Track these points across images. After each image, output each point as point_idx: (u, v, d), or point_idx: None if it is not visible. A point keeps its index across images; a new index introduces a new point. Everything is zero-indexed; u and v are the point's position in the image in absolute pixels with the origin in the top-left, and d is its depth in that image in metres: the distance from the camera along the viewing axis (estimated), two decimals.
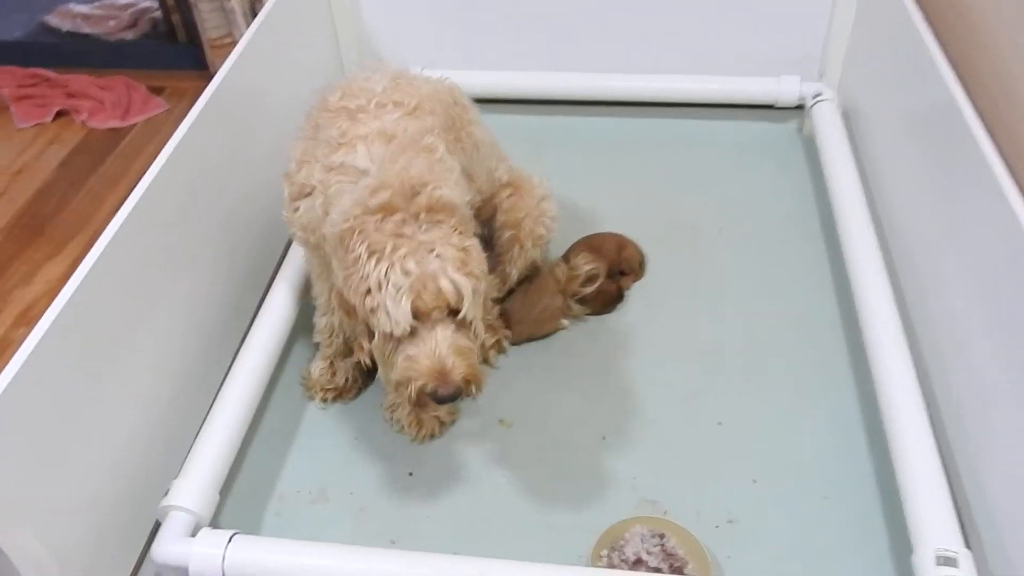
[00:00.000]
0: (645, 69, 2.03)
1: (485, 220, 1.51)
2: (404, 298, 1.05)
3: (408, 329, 1.06)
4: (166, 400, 1.29)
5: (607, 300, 1.56)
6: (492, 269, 1.51)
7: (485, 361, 1.49)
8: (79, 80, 2.47)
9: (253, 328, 1.44)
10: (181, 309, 1.33)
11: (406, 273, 1.05)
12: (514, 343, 1.52)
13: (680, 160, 1.95)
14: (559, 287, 1.52)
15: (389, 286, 1.05)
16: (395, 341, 1.09)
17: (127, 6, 2.89)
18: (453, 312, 1.08)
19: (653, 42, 2.03)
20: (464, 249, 1.10)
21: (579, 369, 1.48)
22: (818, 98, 1.90)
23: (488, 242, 1.53)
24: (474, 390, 1.12)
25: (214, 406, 1.32)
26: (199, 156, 1.38)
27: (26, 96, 2.41)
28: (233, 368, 1.38)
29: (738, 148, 1.98)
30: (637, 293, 1.61)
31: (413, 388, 1.08)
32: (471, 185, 1.40)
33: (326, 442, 1.38)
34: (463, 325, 1.10)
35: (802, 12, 1.94)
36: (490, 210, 1.51)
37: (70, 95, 2.42)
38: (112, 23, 2.83)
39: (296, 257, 1.56)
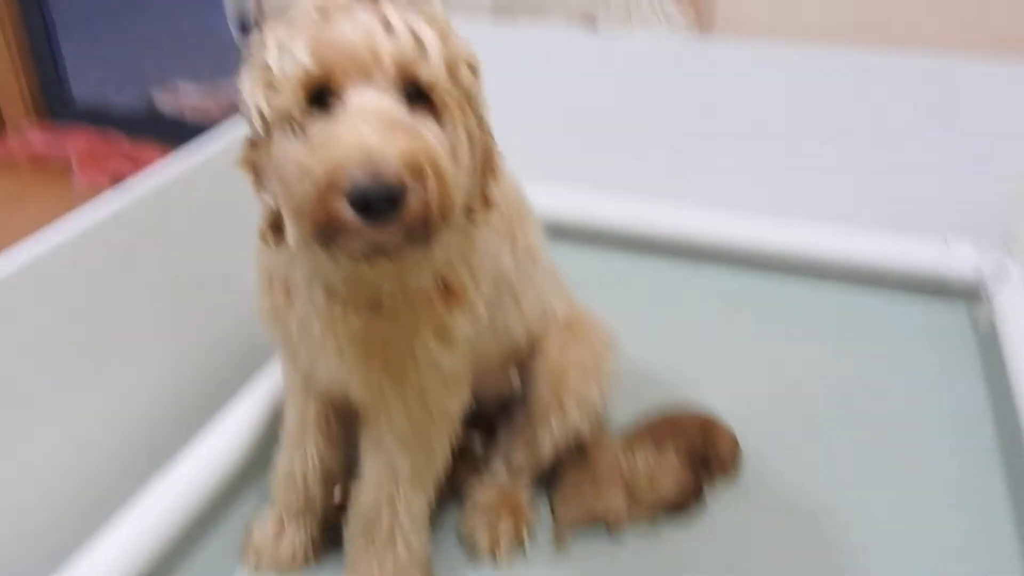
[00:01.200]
0: (772, 211, 1.66)
1: (521, 364, 1.14)
2: (302, 37, 0.68)
3: (302, 83, 0.67)
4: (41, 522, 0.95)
5: (681, 498, 1.14)
6: (520, 431, 1.13)
7: (492, 554, 1.08)
8: (151, 152, 2.31)
9: (190, 447, 1.09)
10: (99, 400, 1.02)
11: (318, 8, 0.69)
12: (559, 536, 1.11)
13: (806, 332, 1.54)
14: (622, 477, 1.12)
15: (291, 37, 0.68)
16: (300, 134, 0.68)
17: (234, 92, 2.80)
18: (407, 86, 0.68)
19: (783, 180, 1.67)
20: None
21: None
22: (1005, 275, 1.46)
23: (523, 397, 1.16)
24: (432, 189, 0.66)
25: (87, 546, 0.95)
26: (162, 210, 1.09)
27: (92, 158, 2.27)
28: (142, 497, 1.02)
29: (885, 327, 1.55)
30: (723, 494, 1.18)
31: (311, 184, 0.65)
32: (518, 315, 1.04)
33: None
34: (426, 110, 0.69)
35: (987, 164, 1.54)
36: (533, 353, 1.13)
37: (135, 164, 2.26)
38: (212, 107, 2.74)
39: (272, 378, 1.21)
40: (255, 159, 0.75)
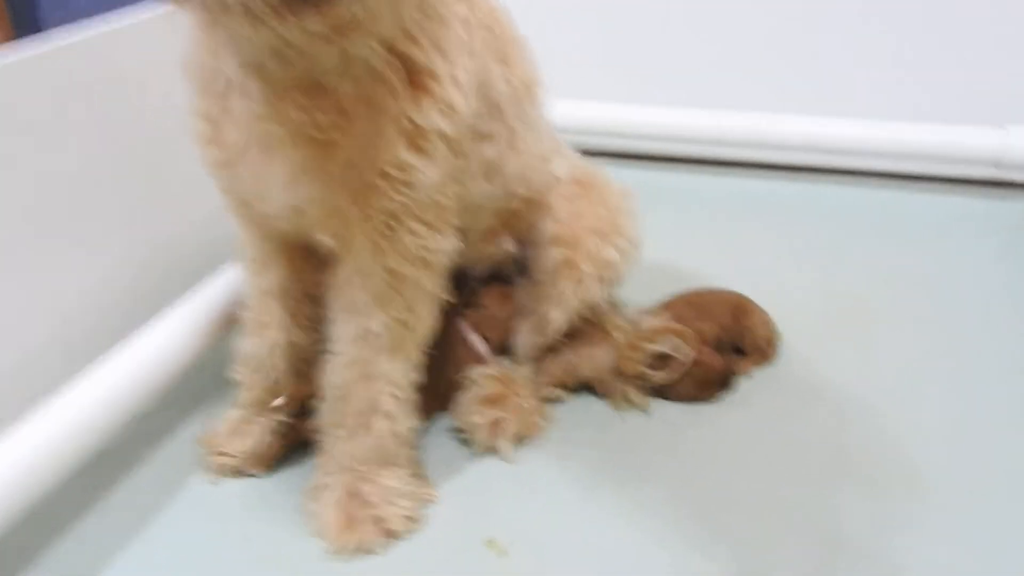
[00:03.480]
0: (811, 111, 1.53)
1: (523, 232, 1.01)
2: None
3: None
4: None
5: (706, 380, 1.01)
6: (526, 311, 1.01)
7: (493, 450, 0.95)
8: None
9: (138, 338, 0.95)
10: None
11: None
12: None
13: (852, 230, 1.41)
14: (612, 351, 1.00)
15: None
16: None
17: None
18: None
19: (823, 75, 1.54)
20: None
21: (638, 474, 0.91)
22: None
23: (525, 269, 1.03)
24: None
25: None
26: None
27: None
28: (82, 385, 0.89)
29: (937, 222, 1.42)
30: (756, 382, 1.04)
31: None
32: (515, 159, 0.91)
33: (194, 537, 0.86)
34: None
35: None
36: (534, 216, 1.00)
37: None
38: None
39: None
40: None
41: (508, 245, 1.01)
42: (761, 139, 1.51)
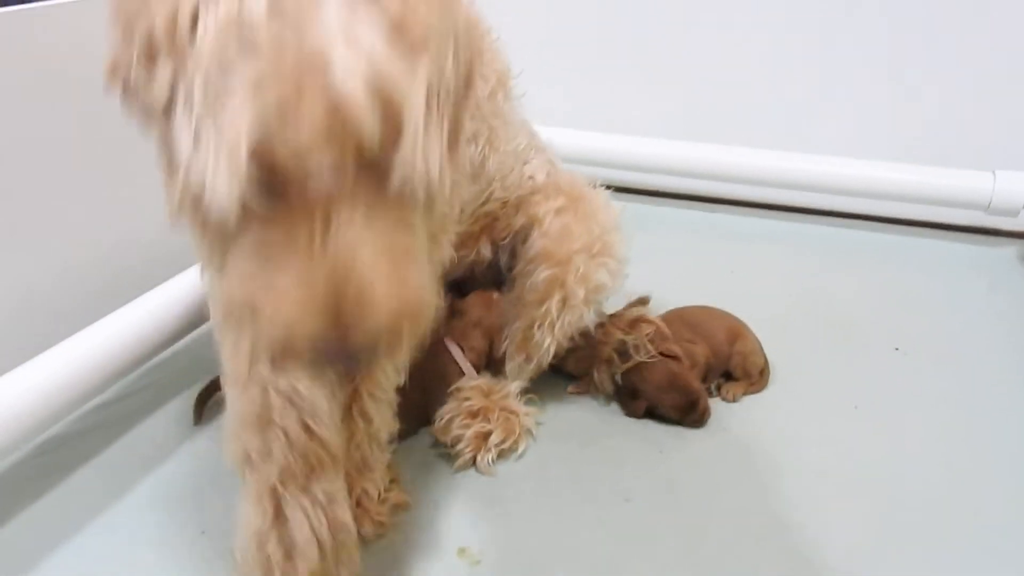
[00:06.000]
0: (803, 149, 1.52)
1: (499, 236, 0.99)
2: (241, 112, 0.45)
3: (237, 206, 0.46)
4: None
5: (683, 403, 0.97)
6: (512, 328, 0.98)
7: (475, 463, 0.91)
8: None
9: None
10: None
11: (251, 50, 0.45)
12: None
13: (844, 267, 1.40)
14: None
15: (215, 99, 0.46)
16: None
17: None
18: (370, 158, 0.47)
19: (815, 116, 1.54)
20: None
21: (615, 491, 0.88)
22: None
23: (502, 279, 1.01)
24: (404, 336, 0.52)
25: None
26: None
27: None
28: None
29: (928, 262, 1.42)
30: (743, 406, 1.02)
31: (262, 339, 0.50)
32: (492, 154, 0.90)
33: (148, 527, 0.81)
34: (400, 202, 0.50)
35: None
36: (516, 223, 0.98)
37: None
38: None
39: None
40: None
41: (485, 250, 0.98)
42: (758, 177, 1.50)
